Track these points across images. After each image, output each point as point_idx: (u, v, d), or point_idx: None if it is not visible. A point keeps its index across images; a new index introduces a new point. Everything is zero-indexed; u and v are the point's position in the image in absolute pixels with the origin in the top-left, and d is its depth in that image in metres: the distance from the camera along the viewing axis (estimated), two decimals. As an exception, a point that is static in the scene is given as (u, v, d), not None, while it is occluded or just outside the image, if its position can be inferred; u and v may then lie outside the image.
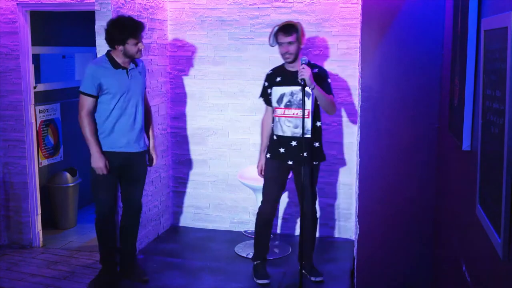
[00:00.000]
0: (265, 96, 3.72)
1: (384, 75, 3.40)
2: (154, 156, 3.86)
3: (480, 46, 1.91)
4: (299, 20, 4.40)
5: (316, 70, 3.57)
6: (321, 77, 3.55)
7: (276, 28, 3.54)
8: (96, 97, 3.48)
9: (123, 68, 3.52)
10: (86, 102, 3.47)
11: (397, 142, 3.42)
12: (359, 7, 4.05)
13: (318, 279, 3.74)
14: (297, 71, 3.49)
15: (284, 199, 4.61)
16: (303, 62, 3.41)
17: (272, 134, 3.70)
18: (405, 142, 3.41)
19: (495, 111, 1.61)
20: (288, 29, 3.49)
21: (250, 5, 4.55)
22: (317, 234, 4.17)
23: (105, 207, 3.64)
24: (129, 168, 3.68)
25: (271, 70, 3.74)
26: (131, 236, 3.83)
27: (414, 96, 3.36)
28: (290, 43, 3.48)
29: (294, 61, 3.55)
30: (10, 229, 4.70)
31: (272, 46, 3.60)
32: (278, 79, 3.62)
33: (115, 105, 3.50)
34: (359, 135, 3.55)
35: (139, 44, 3.47)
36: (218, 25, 4.64)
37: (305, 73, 3.34)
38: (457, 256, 2.44)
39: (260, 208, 3.73)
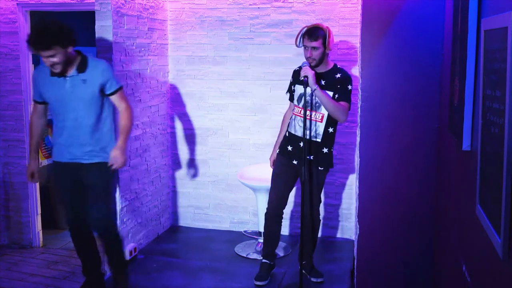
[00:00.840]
0: (290, 91, 3.72)
1: (384, 75, 3.40)
2: (117, 154, 3.27)
3: (480, 46, 1.91)
4: (298, 20, 4.42)
5: (339, 75, 3.51)
6: (341, 82, 3.49)
7: (304, 30, 3.47)
8: (42, 103, 3.35)
9: (60, 75, 3.18)
10: (34, 107, 3.40)
11: (397, 142, 3.42)
12: (359, 7, 4.05)
13: (318, 280, 3.73)
14: (322, 73, 3.50)
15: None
16: (304, 65, 3.41)
17: (286, 130, 3.71)
18: (405, 142, 3.41)
19: (495, 111, 1.61)
20: (314, 33, 3.40)
21: (250, 5, 4.55)
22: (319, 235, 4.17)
23: (68, 221, 3.44)
24: (82, 183, 3.35)
25: (298, 66, 3.68)
26: (109, 256, 3.51)
27: (414, 96, 3.36)
28: (314, 48, 3.41)
29: (317, 66, 3.48)
30: (10, 229, 4.70)
31: (298, 47, 3.52)
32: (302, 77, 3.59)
33: (56, 115, 3.29)
34: (359, 135, 3.54)
35: (44, 59, 3.08)
36: (218, 25, 4.64)
37: (308, 72, 3.34)
38: (457, 256, 2.44)
39: (267, 206, 3.74)
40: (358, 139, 3.65)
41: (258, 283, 3.70)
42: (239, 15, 4.58)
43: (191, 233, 4.80)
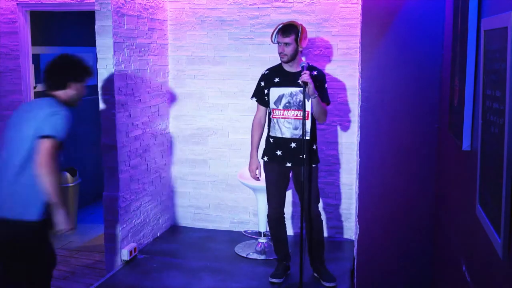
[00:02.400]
0: (261, 96, 3.64)
1: (384, 75, 3.40)
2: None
3: (480, 46, 1.91)
4: (299, 20, 4.42)
5: (315, 72, 3.54)
6: (319, 81, 3.51)
7: (279, 26, 3.52)
8: None
9: None
10: None
11: (397, 142, 3.42)
12: (359, 7, 4.05)
13: (330, 284, 3.61)
14: (296, 72, 3.50)
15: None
16: (303, 65, 3.40)
17: (267, 136, 3.66)
18: (405, 142, 3.41)
19: (495, 111, 1.61)
20: (287, 30, 3.45)
21: (250, 5, 4.55)
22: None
23: None
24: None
25: (267, 70, 3.68)
26: None
27: (414, 96, 3.36)
28: (286, 44, 3.45)
29: (289, 61, 3.51)
30: (10, 229, 4.68)
31: (273, 43, 3.56)
32: (277, 79, 3.57)
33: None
34: (359, 135, 3.54)
35: None
36: (218, 25, 4.64)
37: (307, 78, 3.32)
38: (457, 256, 2.44)
39: (268, 211, 3.74)
40: (358, 139, 3.65)
41: (273, 280, 3.70)
42: (239, 15, 4.58)
43: (191, 233, 4.80)
